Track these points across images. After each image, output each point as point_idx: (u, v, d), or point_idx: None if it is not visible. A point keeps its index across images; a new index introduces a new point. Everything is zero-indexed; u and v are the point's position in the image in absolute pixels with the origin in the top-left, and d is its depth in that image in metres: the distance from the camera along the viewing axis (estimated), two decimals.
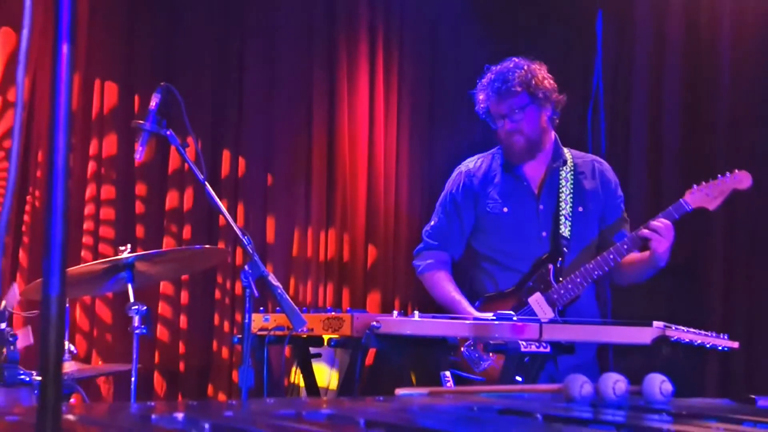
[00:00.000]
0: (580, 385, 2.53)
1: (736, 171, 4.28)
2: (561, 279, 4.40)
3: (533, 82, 4.45)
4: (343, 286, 6.47)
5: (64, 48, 1.43)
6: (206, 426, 1.76)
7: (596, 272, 4.33)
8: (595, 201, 4.56)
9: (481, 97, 4.54)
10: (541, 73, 4.50)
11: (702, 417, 2.20)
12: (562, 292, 4.35)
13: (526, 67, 4.48)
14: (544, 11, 6.09)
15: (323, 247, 6.43)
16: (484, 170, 4.64)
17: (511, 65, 4.50)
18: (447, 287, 4.55)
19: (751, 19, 5.33)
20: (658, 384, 2.56)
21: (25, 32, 1.47)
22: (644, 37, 5.88)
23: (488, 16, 6.42)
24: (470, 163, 4.71)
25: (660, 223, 4.24)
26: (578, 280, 4.35)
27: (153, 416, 1.96)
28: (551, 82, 4.52)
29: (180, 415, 1.92)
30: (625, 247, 4.30)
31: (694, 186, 4.29)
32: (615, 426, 2.04)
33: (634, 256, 4.37)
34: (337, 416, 2.03)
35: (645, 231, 4.24)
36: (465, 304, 4.46)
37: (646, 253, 4.32)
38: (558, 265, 4.44)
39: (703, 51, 5.56)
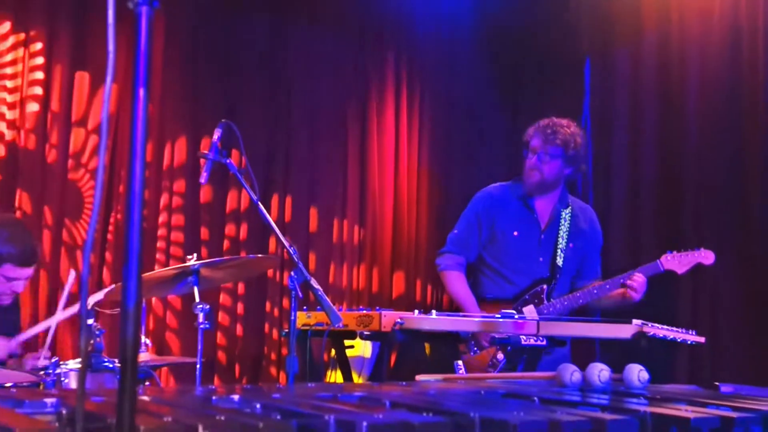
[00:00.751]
0: (571, 373, 2.61)
1: (703, 249, 4.50)
2: (551, 299, 4.51)
3: (571, 145, 4.58)
4: (373, 268, 6.53)
5: (141, 91, 1.49)
6: (257, 406, 1.83)
7: (581, 300, 4.50)
8: (584, 241, 4.71)
9: (531, 131, 4.65)
10: (580, 141, 4.64)
11: (673, 401, 2.24)
12: (551, 309, 4.47)
13: (573, 131, 4.61)
14: (541, 58, 6.06)
15: (357, 236, 6.48)
16: (504, 198, 4.72)
17: (565, 124, 4.63)
18: (460, 286, 4.65)
19: (713, 68, 5.33)
20: (636, 373, 2.64)
21: (108, 79, 1.46)
22: (623, 81, 5.86)
23: (494, 60, 6.41)
24: (493, 190, 4.79)
25: (638, 279, 4.42)
26: (566, 303, 4.50)
27: (213, 398, 2.04)
28: (583, 151, 4.69)
29: (236, 397, 1.98)
30: (607, 287, 4.49)
31: (669, 253, 4.48)
32: (600, 408, 2.07)
33: (611, 293, 4.51)
34: (367, 398, 2.09)
35: (627, 282, 4.42)
36: (472, 302, 4.57)
37: (620, 293, 4.48)
38: (550, 287, 4.55)
39: (675, 94, 5.56)
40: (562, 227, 4.64)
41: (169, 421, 1.53)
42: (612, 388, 2.57)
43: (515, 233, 4.65)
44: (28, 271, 4.33)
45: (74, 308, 4.16)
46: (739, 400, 2.29)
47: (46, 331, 4.15)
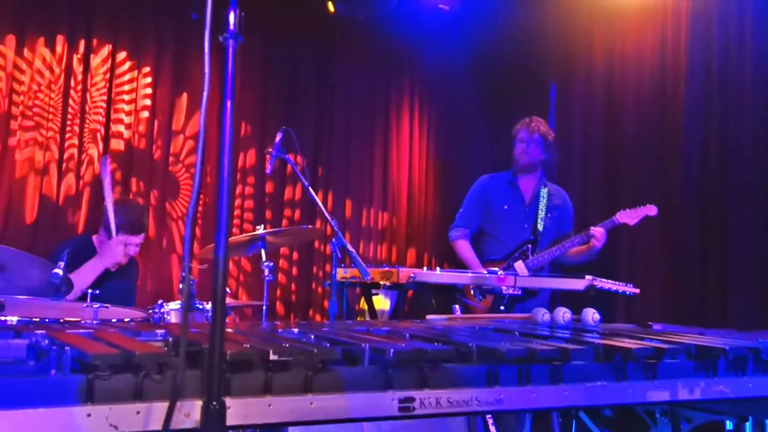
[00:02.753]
0: (542, 314, 2.61)
1: (649, 204, 4.40)
2: (534, 254, 4.47)
3: (548, 136, 4.61)
4: (392, 246, 6.51)
5: (228, 103, 1.49)
6: (311, 337, 1.83)
7: (556, 252, 4.42)
8: (558, 212, 4.63)
9: (518, 127, 4.63)
10: (551, 134, 4.65)
11: (618, 335, 2.23)
12: (534, 261, 4.41)
13: (546, 128, 4.63)
14: (517, 82, 6.01)
15: (381, 220, 6.45)
16: (497, 182, 4.67)
17: (542, 122, 4.66)
18: (467, 250, 4.58)
19: (646, 91, 5.28)
20: (591, 314, 2.64)
21: (204, 94, 1.44)
22: (578, 100, 5.81)
23: (481, 84, 6.35)
24: (487, 177, 4.75)
25: (599, 230, 4.34)
26: (546, 255, 4.42)
27: (279, 330, 2.04)
28: (553, 142, 4.67)
29: (295, 330, 1.99)
30: (576, 240, 4.40)
31: (622, 210, 4.39)
32: (564, 340, 2.06)
33: (578, 248, 4.44)
34: (392, 332, 2.09)
35: (590, 233, 4.33)
36: (476, 262, 4.52)
37: (585, 247, 4.40)
38: (533, 246, 4.51)
39: (617, 110, 5.51)
40: (542, 202, 4.59)
41: (247, 347, 1.53)
42: (572, 326, 2.56)
43: (505, 207, 4.59)
44: (138, 239, 4.28)
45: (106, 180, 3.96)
46: (667, 335, 2.27)
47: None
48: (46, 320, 2.79)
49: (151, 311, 3.63)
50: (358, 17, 5.79)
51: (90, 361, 1.33)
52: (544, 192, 4.61)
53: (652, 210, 4.39)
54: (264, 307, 4.21)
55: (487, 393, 1.69)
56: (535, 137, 4.58)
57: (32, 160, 4.95)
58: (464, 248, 4.62)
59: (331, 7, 5.78)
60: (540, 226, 4.55)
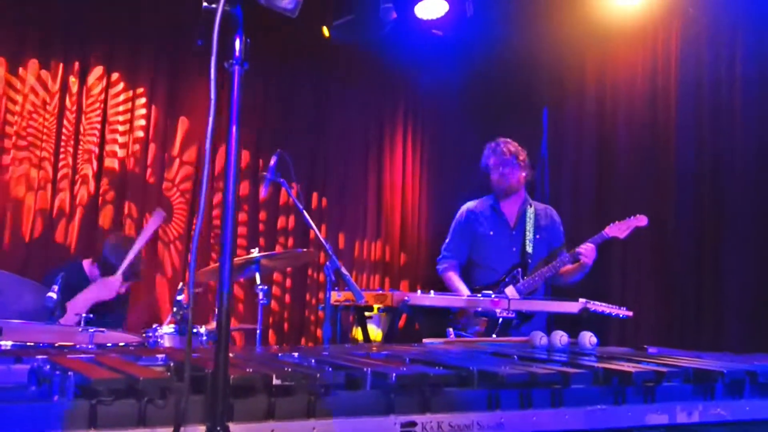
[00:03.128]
0: (540, 338, 2.61)
1: (639, 215, 4.29)
2: (525, 278, 4.43)
3: (520, 154, 4.50)
4: (385, 277, 6.46)
5: (234, 128, 1.51)
6: (312, 361, 1.83)
7: (547, 274, 4.32)
8: (547, 233, 4.56)
9: (486, 155, 4.54)
10: (523, 151, 4.54)
11: (616, 359, 2.23)
12: (526, 285, 4.35)
13: (515, 146, 4.52)
14: (510, 107, 6.03)
15: (373, 252, 6.43)
16: (480, 209, 4.60)
17: (509, 143, 4.53)
18: (456, 281, 4.49)
19: (637, 115, 5.34)
20: (588, 338, 2.63)
21: (210, 120, 1.48)
22: (571, 124, 5.85)
23: (474, 109, 6.38)
24: (470, 204, 4.67)
25: (587, 247, 4.25)
26: (536, 278, 4.34)
27: (279, 354, 2.03)
28: (527, 158, 4.56)
29: (296, 354, 1.98)
30: (566, 259, 4.31)
31: (611, 223, 4.29)
32: (561, 363, 2.07)
33: (569, 267, 4.36)
34: (391, 355, 2.09)
35: (578, 251, 4.25)
36: (467, 292, 4.41)
37: (577, 266, 4.32)
38: (523, 269, 4.46)
39: (609, 133, 5.57)
40: (528, 223, 4.54)
41: (250, 372, 1.53)
42: (570, 350, 2.56)
43: (491, 233, 4.52)
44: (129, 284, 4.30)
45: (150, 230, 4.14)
46: (663, 358, 2.28)
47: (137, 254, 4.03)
48: (41, 345, 2.78)
49: (144, 335, 3.62)
50: (352, 43, 5.84)
51: (93, 386, 1.33)
52: (530, 213, 4.54)
53: (642, 220, 4.29)
54: (258, 332, 4.20)
55: (488, 417, 1.69)
56: (507, 159, 4.48)
57: (26, 181, 4.95)
58: (453, 279, 4.53)
59: (326, 32, 5.82)
60: (529, 248, 4.48)
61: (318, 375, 1.53)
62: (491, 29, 5.96)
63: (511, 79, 6.11)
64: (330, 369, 1.65)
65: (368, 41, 5.88)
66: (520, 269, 4.44)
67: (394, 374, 1.58)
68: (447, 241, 4.66)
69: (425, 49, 6.29)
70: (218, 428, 1.36)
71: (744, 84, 4.70)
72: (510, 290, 4.30)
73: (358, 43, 5.94)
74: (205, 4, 1.42)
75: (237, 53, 1.47)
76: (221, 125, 6.22)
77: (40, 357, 1.50)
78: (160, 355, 1.72)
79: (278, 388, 1.49)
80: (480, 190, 4.73)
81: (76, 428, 1.33)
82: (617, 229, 4.28)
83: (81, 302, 3.94)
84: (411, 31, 5.95)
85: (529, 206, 4.58)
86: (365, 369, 1.63)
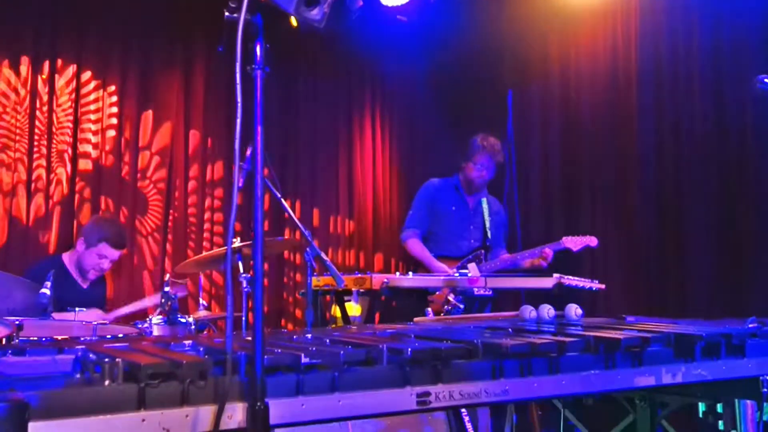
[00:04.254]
0: (529, 311, 2.75)
1: (590, 236, 4.54)
2: (487, 260, 4.64)
3: (501, 160, 4.71)
4: (360, 251, 6.64)
5: (259, 128, 1.61)
6: (327, 341, 1.96)
7: (509, 262, 4.53)
8: (497, 220, 4.83)
9: (477, 148, 4.68)
10: (502, 153, 4.74)
11: (601, 328, 2.37)
12: (488, 267, 4.54)
13: (500, 148, 4.70)
14: (475, 90, 6.16)
15: (348, 227, 6.58)
16: (443, 187, 4.82)
17: (498, 146, 4.70)
18: (419, 248, 4.67)
19: (599, 97, 5.53)
20: (574, 310, 2.77)
21: (238, 121, 1.57)
22: (535, 107, 6.04)
23: (440, 93, 6.51)
24: (434, 181, 4.89)
25: (549, 253, 4.45)
26: (499, 263, 4.56)
27: (294, 336, 2.15)
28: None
29: (309, 336, 2.11)
30: (527, 255, 4.52)
31: (567, 237, 4.51)
32: (551, 333, 2.20)
33: (527, 262, 4.55)
34: (396, 334, 2.20)
35: (543, 253, 4.45)
36: (429, 256, 4.62)
37: (535, 261, 4.50)
38: (486, 252, 4.69)
39: (573, 114, 5.75)
40: (485, 211, 4.79)
41: (280, 352, 1.65)
42: (557, 321, 2.71)
43: (453, 208, 4.76)
44: (118, 253, 4.38)
45: (156, 299, 4.21)
46: (644, 326, 2.45)
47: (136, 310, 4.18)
48: (42, 339, 2.85)
49: (138, 327, 3.69)
50: (319, 31, 5.91)
51: (142, 370, 1.45)
52: (484, 202, 4.81)
53: (592, 241, 4.54)
54: (243, 319, 4.29)
55: (493, 385, 1.85)
56: (494, 163, 4.70)
57: (0, 183, 4.95)
58: (416, 245, 4.71)
59: (293, 22, 5.88)
60: (489, 234, 4.75)
61: (341, 353, 1.66)
62: (455, 14, 6.09)
63: (475, 63, 6.25)
64: (350, 348, 1.78)
65: (335, 28, 5.95)
66: (482, 251, 4.67)
67: (409, 349, 1.72)
68: (410, 213, 4.85)
69: (390, 35, 6.40)
70: (258, 404, 1.49)
71: (702, 60, 4.89)
72: (472, 266, 4.45)
73: (325, 31, 6.01)
74: (227, 13, 1.52)
75: (258, 58, 1.57)
76: (198, 118, 6.18)
77: (79, 347, 1.60)
78: (187, 342, 1.83)
79: (306, 366, 1.62)
80: (444, 168, 4.92)
81: (126, 409, 1.45)
82: (572, 242, 4.53)
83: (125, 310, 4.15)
84: (376, 17, 6.05)
85: (485, 195, 4.85)
86: (381, 346, 1.76)
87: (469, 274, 4.29)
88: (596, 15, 5.62)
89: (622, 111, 5.36)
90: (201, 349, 1.74)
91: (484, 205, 4.80)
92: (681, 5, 5.05)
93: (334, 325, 5.36)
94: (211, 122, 5.84)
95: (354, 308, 5.16)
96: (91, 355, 1.55)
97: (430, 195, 4.84)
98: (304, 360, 1.61)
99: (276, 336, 2.18)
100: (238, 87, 1.50)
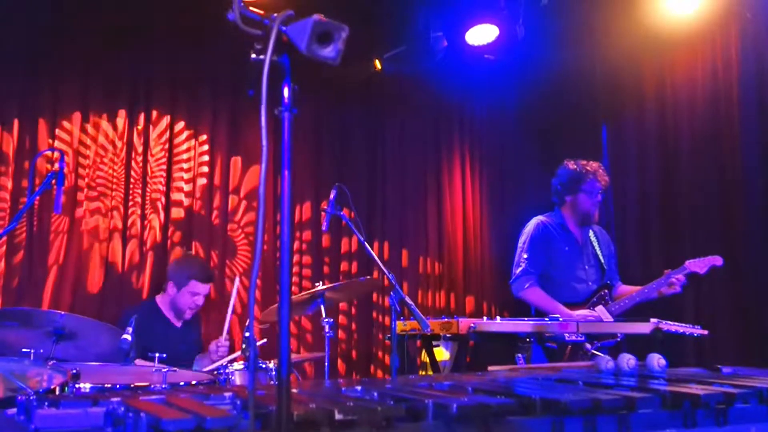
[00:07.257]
0: (606, 362, 2.55)
1: (716, 255, 4.34)
2: (612, 299, 4.40)
3: (608, 180, 4.58)
4: (450, 293, 6.48)
5: (286, 172, 1.55)
6: (375, 394, 1.84)
7: (637, 299, 4.32)
8: (608, 251, 4.59)
9: (596, 175, 4.51)
10: None
11: (686, 381, 2.18)
12: (616, 307, 4.32)
13: (605, 170, 4.56)
14: (566, 128, 6.01)
15: (438, 269, 6.46)
16: (551, 223, 4.58)
17: (602, 168, 4.55)
18: (543, 297, 4.41)
19: (700, 125, 5.25)
20: (656, 360, 2.55)
21: (263, 166, 1.51)
22: (631, 139, 5.80)
23: (530, 130, 6.39)
24: (542, 218, 4.62)
25: (680, 278, 4.26)
26: (627, 301, 4.34)
27: (343, 389, 2.06)
28: None
29: (359, 388, 2.00)
30: (654, 287, 4.30)
31: (690, 260, 4.31)
32: (629, 388, 2.02)
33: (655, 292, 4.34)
34: (454, 386, 2.06)
35: (672, 280, 4.26)
36: (557, 305, 4.36)
37: (660, 291, 4.31)
38: (610, 291, 4.44)
39: (671, 147, 5.47)
40: (595, 244, 4.55)
41: (313, 408, 1.56)
42: (638, 373, 2.49)
43: (566, 248, 4.51)
44: (207, 287, 4.50)
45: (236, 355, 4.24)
46: (737, 379, 2.22)
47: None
48: (117, 386, 2.89)
49: (216, 373, 3.71)
50: (404, 73, 5.92)
51: (163, 426, 1.39)
52: (591, 233, 4.55)
53: (717, 260, 4.32)
54: (326, 364, 4.24)
55: None
56: (602, 188, 4.50)
57: (97, 230, 5.15)
58: (538, 294, 4.43)
59: (377, 65, 5.92)
60: (605, 269, 4.50)
61: (379, 408, 1.55)
62: (543, 49, 5.96)
63: (567, 97, 6.10)
64: (392, 402, 1.67)
65: (420, 71, 5.96)
66: (606, 290, 4.40)
67: (455, 405, 1.60)
68: (526, 256, 4.52)
69: (478, 74, 6.33)
70: None
71: None
72: (601, 310, 4.24)
73: (410, 73, 6.03)
74: (253, 55, 1.49)
75: (286, 100, 1.52)
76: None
77: (114, 399, 1.57)
78: (227, 393, 1.77)
79: (341, 423, 1.52)
80: (539, 209, 4.72)
81: None
82: (696, 265, 4.29)
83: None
84: (463, 58, 6.00)
85: (590, 227, 4.57)
86: (426, 401, 1.64)
87: (604, 319, 4.10)
88: (693, 43, 5.36)
89: (725, 143, 5.06)
90: (238, 402, 1.68)
91: (593, 238, 4.54)
92: None
93: (422, 371, 5.28)
94: (299, 166, 5.92)
95: (443, 353, 5.05)
96: (120, 409, 1.52)
97: (544, 235, 4.54)
98: (338, 416, 1.52)
99: (325, 387, 2.11)
100: (263, 130, 1.46)
